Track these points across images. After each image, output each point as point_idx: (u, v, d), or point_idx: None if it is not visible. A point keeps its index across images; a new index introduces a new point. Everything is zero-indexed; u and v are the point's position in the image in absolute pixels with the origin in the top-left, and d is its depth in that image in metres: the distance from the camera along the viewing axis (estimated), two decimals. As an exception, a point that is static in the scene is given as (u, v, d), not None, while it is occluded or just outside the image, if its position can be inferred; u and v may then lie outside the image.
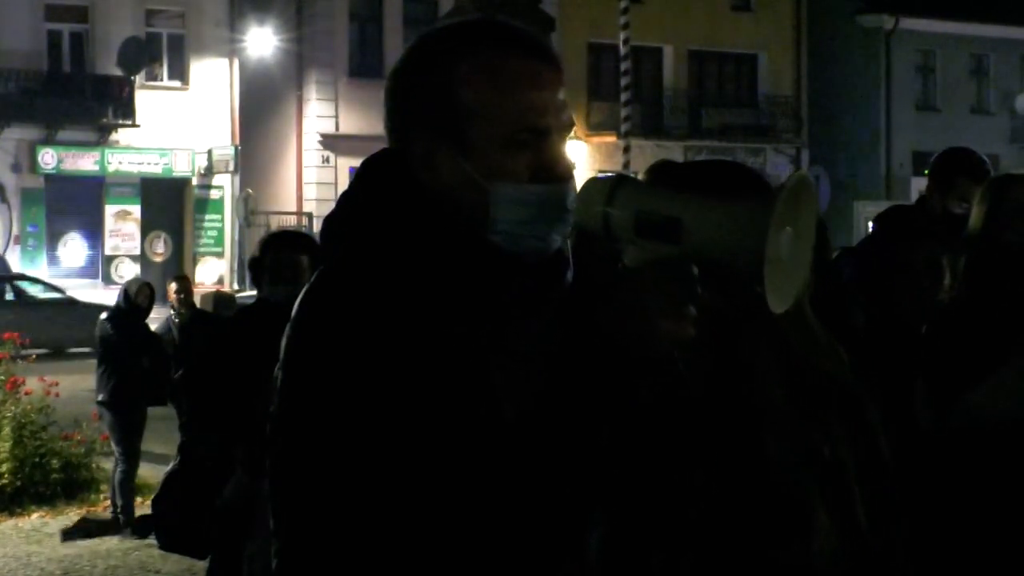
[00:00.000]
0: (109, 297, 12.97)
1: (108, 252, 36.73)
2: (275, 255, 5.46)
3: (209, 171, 37.71)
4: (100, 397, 12.27)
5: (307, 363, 2.10)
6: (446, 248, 2.14)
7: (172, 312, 13.45)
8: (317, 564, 2.10)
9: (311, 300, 2.16)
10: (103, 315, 12.60)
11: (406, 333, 2.04)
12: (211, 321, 13.52)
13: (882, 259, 5.11)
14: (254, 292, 5.84)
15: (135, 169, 36.97)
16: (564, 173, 2.19)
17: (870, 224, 6.27)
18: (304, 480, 2.09)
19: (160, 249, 36.92)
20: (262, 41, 38.16)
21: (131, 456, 12.06)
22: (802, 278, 2.19)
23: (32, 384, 13.27)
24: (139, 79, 36.47)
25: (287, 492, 2.13)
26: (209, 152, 37.47)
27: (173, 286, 13.80)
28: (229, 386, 4.87)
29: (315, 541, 2.10)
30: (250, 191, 36.00)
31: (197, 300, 15.27)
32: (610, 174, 2.22)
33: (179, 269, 34.85)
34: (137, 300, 12.35)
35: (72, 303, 29.98)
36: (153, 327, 13.21)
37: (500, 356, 2.12)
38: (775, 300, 2.07)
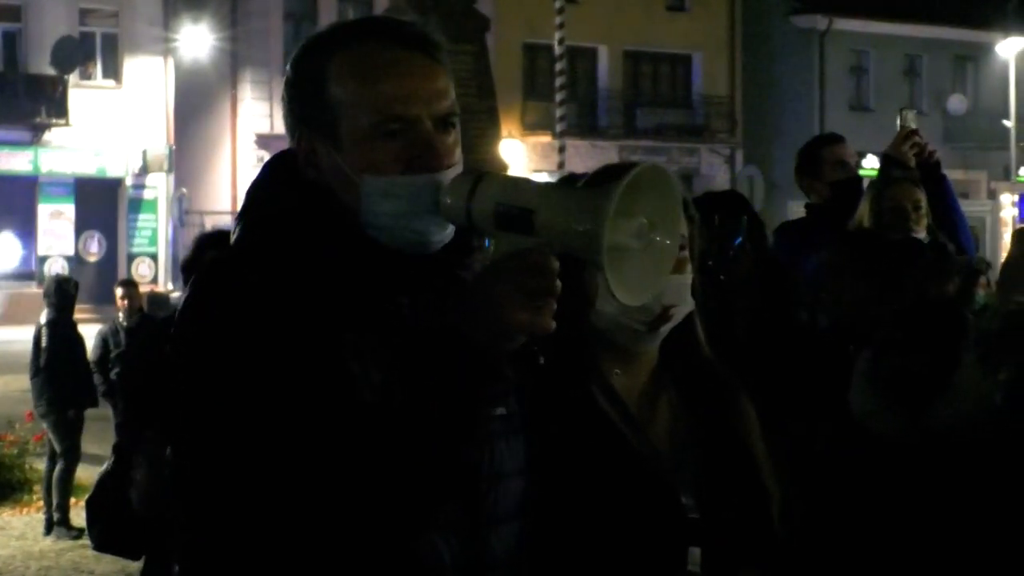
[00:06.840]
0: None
1: (42, 252, 36.37)
2: (216, 254, 5.43)
3: (143, 171, 37.42)
4: (39, 405, 12.18)
5: (192, 345, 2.16)
6: (323, 242, 2.16)
7: (120, 315, 13.32)
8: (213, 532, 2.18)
9: (196, 289, 2.21)
10: (40, 320, 12.48)
11: (279, 323, 2.07)
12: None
13: (812, 264, 5.16)
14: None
15: (68, 169, 36.66)
16: (436, 163, 2.16)
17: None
18: (195, 457, 2.21)
19: (94, 249, 36.62)
20: (196, 40, 37.88)
21: (73, 454, 12.01)
22: (664, 274, 2.13)
23: (-36, 386, 13.19)
24: (72, 78, 36.13)
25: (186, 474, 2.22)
26: (143, 152, 37.17)
27: (119, 291, 13.58)
28: (167, 387, 4.84)
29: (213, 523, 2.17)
30: (184, 191, 35.78)
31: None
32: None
33: (113, 269, 34.61)
34: (59, 297, 12.30)
35: None
36: (98, 327, 13.17)
37: (365, 343, 2.13)
38: (623, 292, 2.01)
